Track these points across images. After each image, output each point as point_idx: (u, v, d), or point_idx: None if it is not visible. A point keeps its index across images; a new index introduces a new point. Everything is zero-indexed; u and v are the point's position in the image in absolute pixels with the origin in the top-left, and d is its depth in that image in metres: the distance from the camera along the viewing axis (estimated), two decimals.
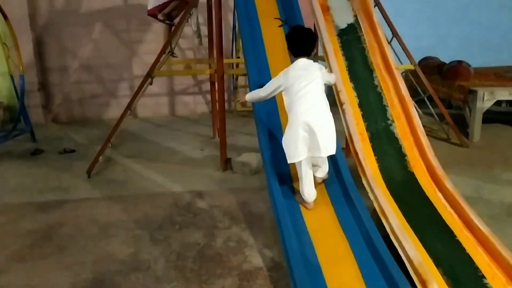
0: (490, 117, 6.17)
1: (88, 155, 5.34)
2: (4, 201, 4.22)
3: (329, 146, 3.08)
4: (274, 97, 3.37)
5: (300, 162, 3.12)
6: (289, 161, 3.16)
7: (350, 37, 4.22)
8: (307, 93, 3.06)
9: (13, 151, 5.79)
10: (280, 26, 3.61)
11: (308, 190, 3.18)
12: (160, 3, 5.50)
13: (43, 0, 7.22)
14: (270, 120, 3.91)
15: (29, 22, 7.08)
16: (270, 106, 3.94)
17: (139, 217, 3.78)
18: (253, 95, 3.42)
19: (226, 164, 4.96)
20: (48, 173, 4.95)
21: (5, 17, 5.79)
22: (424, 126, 3.78)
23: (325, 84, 3.28)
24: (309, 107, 3.03)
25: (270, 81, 3.28)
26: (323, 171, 3.36)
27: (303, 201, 3.25)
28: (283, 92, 3.21)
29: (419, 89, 5.80)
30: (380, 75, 3.96)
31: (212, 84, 6.10)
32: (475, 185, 4.36)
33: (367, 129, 3.66)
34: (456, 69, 6.25)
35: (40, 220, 3.76)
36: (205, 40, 6.18)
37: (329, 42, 4.07)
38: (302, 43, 3.20)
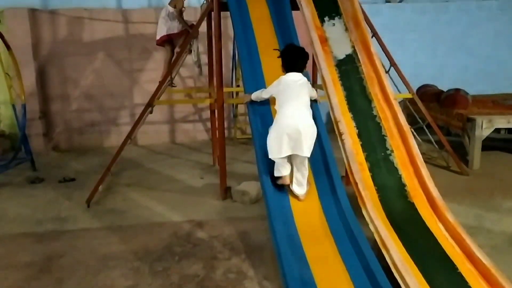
0: (489, 144, 6.19)
1: (88, 183, 5.34)
2: (3, 232, 4.19)
3: (310, 147, 3.41)
4: None
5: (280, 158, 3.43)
6: (270, 156, 3.46)
7: (348, 68, 4.28)
8: (294, 100, 3.45)
9: (13, 180, 5.79)
10: (279, 57, 3.70)
11: (282, 168, 3.47)
12: (165, 34, 5.64)
13: (46, 30, 7.34)
14: None
15: (32, 52, 7.18)
16: None
17: (138, 248, 3.75)
18: (257, 94, 3.89)
19: (226, 193, 4.95)
20: (47, 203, 4.94)
21: (8, 47, 5.87)
22: (423, 154, 3.80)
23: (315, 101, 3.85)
24: (294, 112, 3.41)
25: (270, 86, 3.74)
26: (304, 175, 3.55)
27: (281, 180, 3.51)
28: (276, 98, 3.62)
29: (417, 117, 5.84)
30: (379, 105, 4.00)
31: (212, 112, 6.15)
32: (476, 214, 4.34)
33: (367, 159, 3.67)
34: (454, 97, 6.30)
35: (39, 252, 3.73)
36: (205, 68, 6.27)
37: (328, 73, 4.12)
38: (295, 61, 3.58)
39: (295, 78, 3.53)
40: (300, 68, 3.58)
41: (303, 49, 3.65)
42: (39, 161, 6.41)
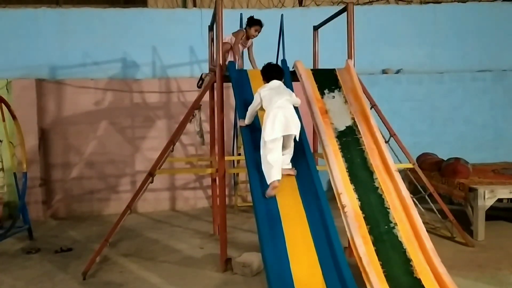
0: (492, 214, 6.11)
1: (85, 253, 5.24)
2: None
3: (297, 129, 4.04)
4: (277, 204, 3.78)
5: (274, 141, 3.92)
6: (266, 139, 3.93)
7: (349, 139, 4.33)
8: (279, 97, 4.05)
9: (9, 250, 5.67)
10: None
11: (269, 171, 3.89)
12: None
13: (52, 99, 7.49)
14: (272, 220, 3.86)
15: (36, 120, 7.29)
16: (273, 211, 3.90)
17: None
18: (247, 116, 4.42)
19: (226, 264, 4.82)
20: (42, 275, 4.80)
21: (14, 117, 5.97)
22: (426, 224, 3.76)
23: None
24: (281, 106, 3.99)
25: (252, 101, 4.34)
26: (290, 155, 4.17)
27: (272, 186, 3.90)
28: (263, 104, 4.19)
29: (418, 186, 5.83)
30: (380, 177, 4.01)
31: (213, 180, 6.14)
32: None
33: (370, 232, 3.62)
34: (455, 167, 6.30)
35: None
36: (207, 136, 6.35)
37: (329, 144, 4.18)
38: (271, 73, 4.33)
39: (275, 83, 4.24)
40: (276, 78, 4.29)
41: (277, 65, 4.59)
42: (36, 230, 6.31)
